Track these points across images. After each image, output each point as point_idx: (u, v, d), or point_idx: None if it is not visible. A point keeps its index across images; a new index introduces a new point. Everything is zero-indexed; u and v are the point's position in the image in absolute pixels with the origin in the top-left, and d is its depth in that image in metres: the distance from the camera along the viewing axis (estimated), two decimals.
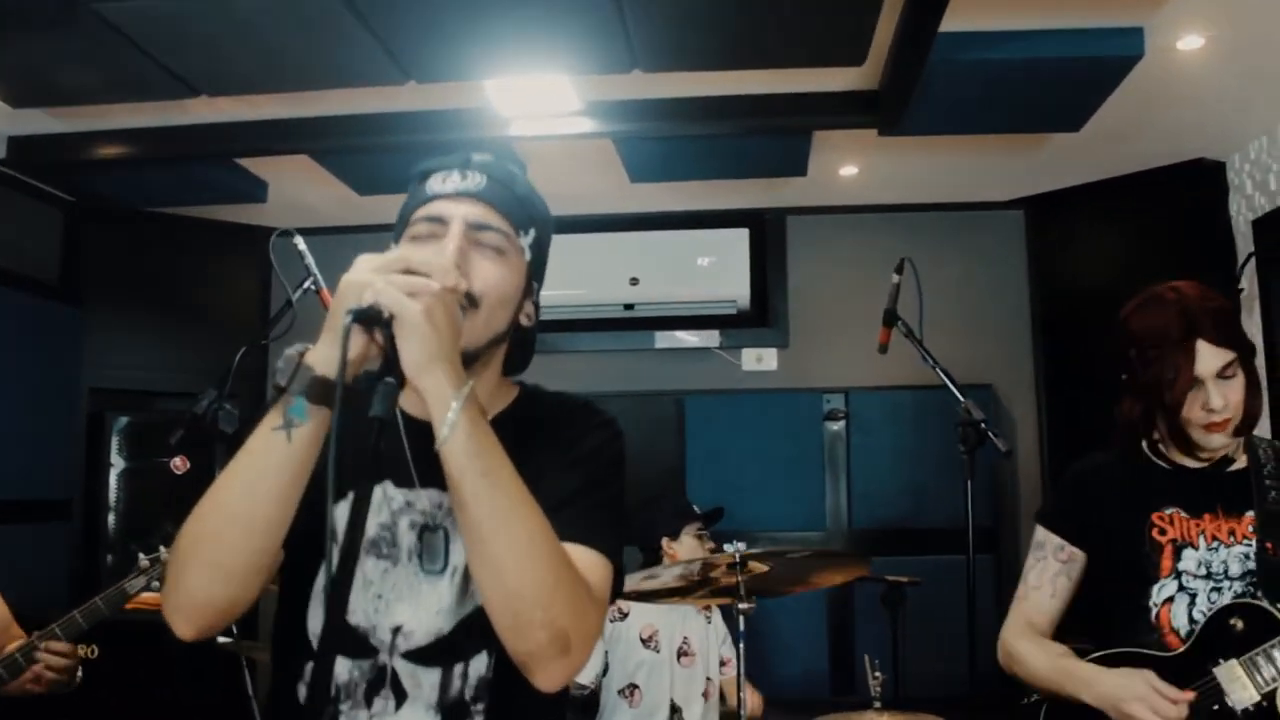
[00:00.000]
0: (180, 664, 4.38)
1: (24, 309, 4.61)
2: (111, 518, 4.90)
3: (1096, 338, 4.96)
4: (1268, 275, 4.40)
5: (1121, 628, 2.33)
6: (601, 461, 1.67)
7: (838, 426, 5.17)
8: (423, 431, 1.45)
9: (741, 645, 3.20)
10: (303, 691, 1.57)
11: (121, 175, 4.65)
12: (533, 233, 1.68)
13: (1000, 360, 5.25)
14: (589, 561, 1.54)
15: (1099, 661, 2.29)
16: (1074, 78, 3.64)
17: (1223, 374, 2.24)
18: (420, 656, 1.57)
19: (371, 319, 1.38)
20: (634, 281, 5.18)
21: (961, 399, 3.43)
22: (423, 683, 1.56)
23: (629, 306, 5.25)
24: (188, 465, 4.89)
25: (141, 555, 3.03)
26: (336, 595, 1.37)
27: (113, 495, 4.91)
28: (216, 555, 1.44)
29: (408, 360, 1.38)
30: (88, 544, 4.88)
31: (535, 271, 1.71)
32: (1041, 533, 2.48)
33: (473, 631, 1.58)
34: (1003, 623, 2.53)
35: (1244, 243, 4.55)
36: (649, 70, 3.60)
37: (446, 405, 1.40)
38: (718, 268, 5.28)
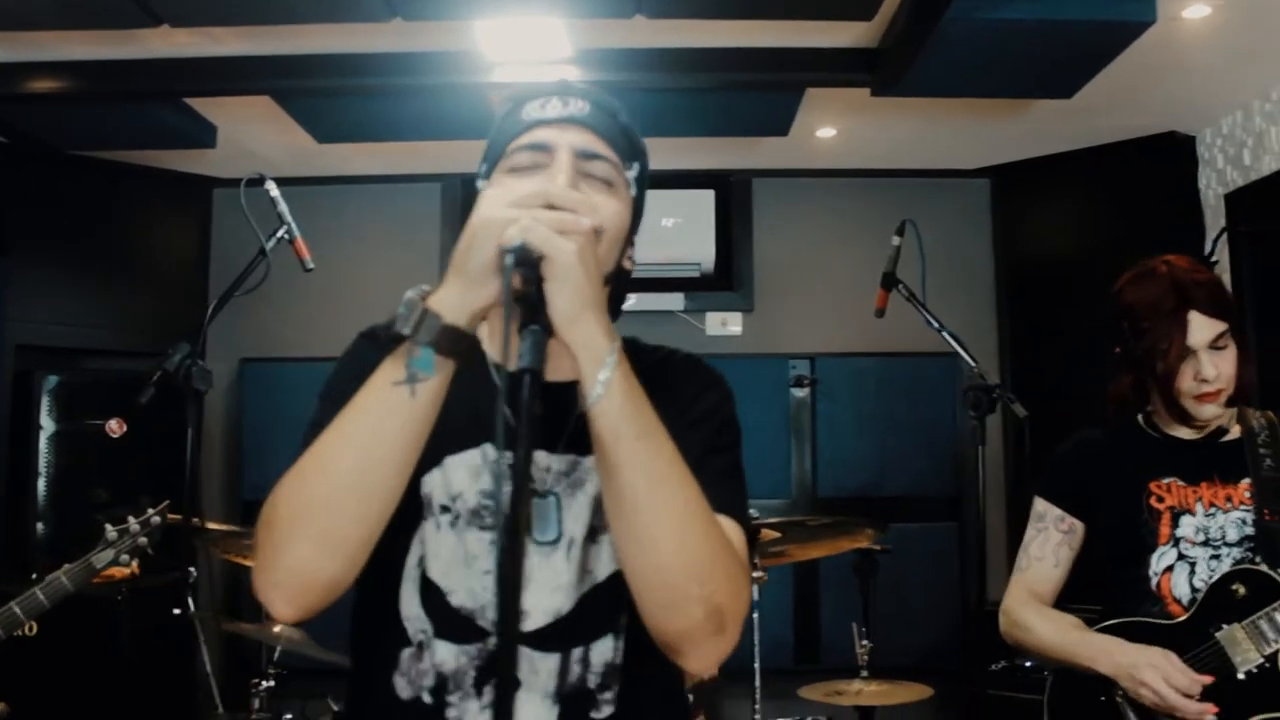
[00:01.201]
0: (129, 637, 4.12)
1: None
2: (41, 484, 4.56)
3: (1061, 307, 5.07)
4: (1239, 249, 4.44)
5: (1123, 598, 2.34)
6: (722, 422, 1.52)
7: (803, 393, 5.11)
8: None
9: None
10: (400, 684, 1.41)
11: (55, 113, 4.32)
12: (636, 166, 1.51)
13: (965, 329, 5.14)
14: (731, 531, 1.39)
15: (1104, 632, 2.31)
16: (1082, 42, 3.58)
17: (1214, 344, 2.27)
18: (538, 639, 1.40)
19: (521, 260, 1.20)
20: None
21: (973, 364, 3.37)
22: (539, 669, 1.40)
23: None
24: (124, 428, 4.64)
25: (109, 526, 2.83)
26: (510, 576, 1.17)
27: (42, 460, 4.56)
28: (327, 525, 1.26)
29: (559, 307, 1.21)
30: (14, 512, 4.54)
31: (638, 209, 1.55)
32: (1041, 504, 2.48)
33: (596, 611, 1.42)
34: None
35: (1214, 216, 4.60)
36: (653, 16, 3.46)
37: (600, 360, 1.24)
38: (682, 229, 5.16)
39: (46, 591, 2.73)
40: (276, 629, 3.60)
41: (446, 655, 1.40)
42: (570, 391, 1.46)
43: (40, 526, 4.51)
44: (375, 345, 1.50)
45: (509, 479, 1.45)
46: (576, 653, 1.41)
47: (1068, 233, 5.12)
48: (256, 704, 3.64)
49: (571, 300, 1.21)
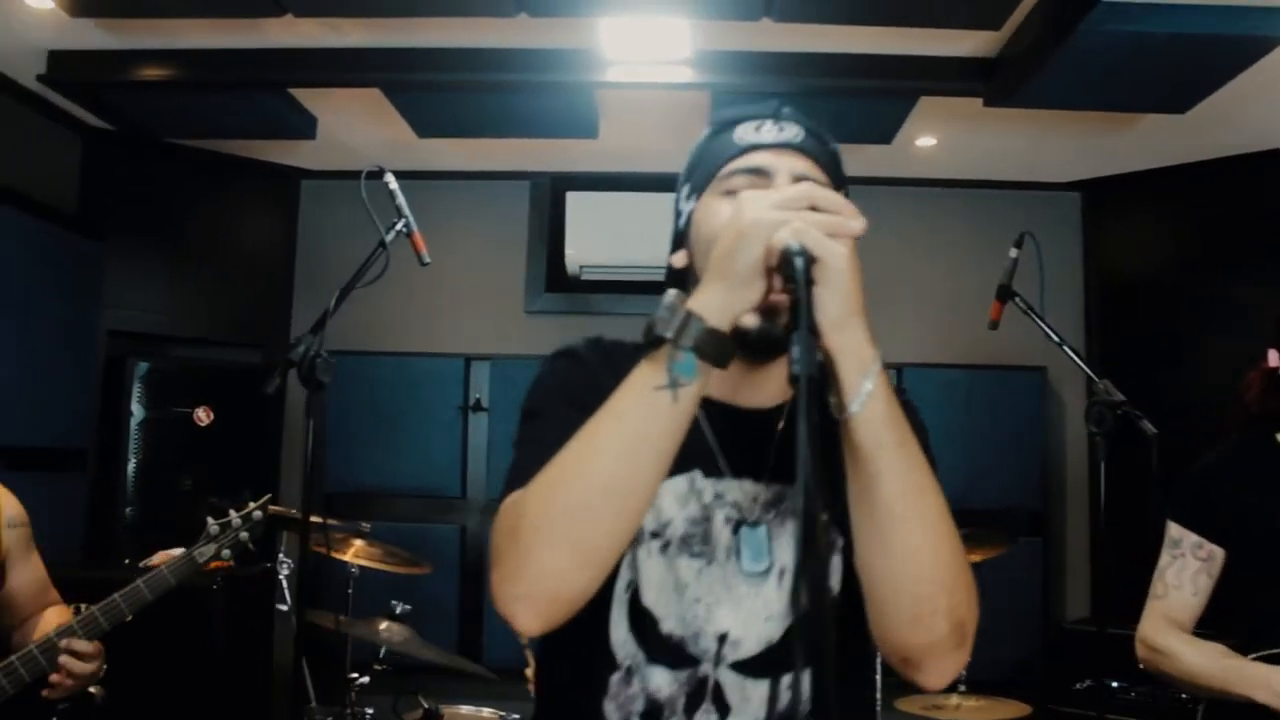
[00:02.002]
0: (221, 627, 4.11)
1: (41, 237, 4.24)
2: (131, 470, 4.55)
3: (1153, 324, 5.01)
4: None
5: (1268, 625, 2.26)
6: (925, 441, 1.48)
7: None
8: (728, 416, 1.32)
9: None
10: (610, 709, 1.40)
11: (160, 101, 4.31)
12: (843, 194, 1.50)
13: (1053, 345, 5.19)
14: None
15: (1260, 660, 2.23)
16: (1209, 56, 3.55)
17: None
18: (750, 667, 1.39)
19: (790, 262, 1.16)
20: None
21: (1097, 379, 3.31)
22: (751, 696, 1.39)
23: None
24: (211, 417, 4.64)
25: (210, 520, 2.78)
26: (809, 599, 1.15)
27: (132, 445, 4.56)
28: (580, 535, 1.23)
29: (830, 312, 1.17)
30: (104, 497, 4.54)
31: None
32: (1176, 529, 2.40)
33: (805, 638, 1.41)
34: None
35: None
36: (780, 20, 3.43)
37: (865, 368, 1.21)
38: None
39: (149, 585, 2.68)
40: (382, 626, 3.59)
41: (661, 682, 1.39)
42: (768, 419, 1.46)
43: (129, 511, 4.50)
44: (578, 362, 1.51)
45: (717, 507, 1.44)
46: (786, 680, 1.40)
47: (1164, 249, 5.05)
48: (351, 698, 3.63)
49: (841, 305, 1.19)
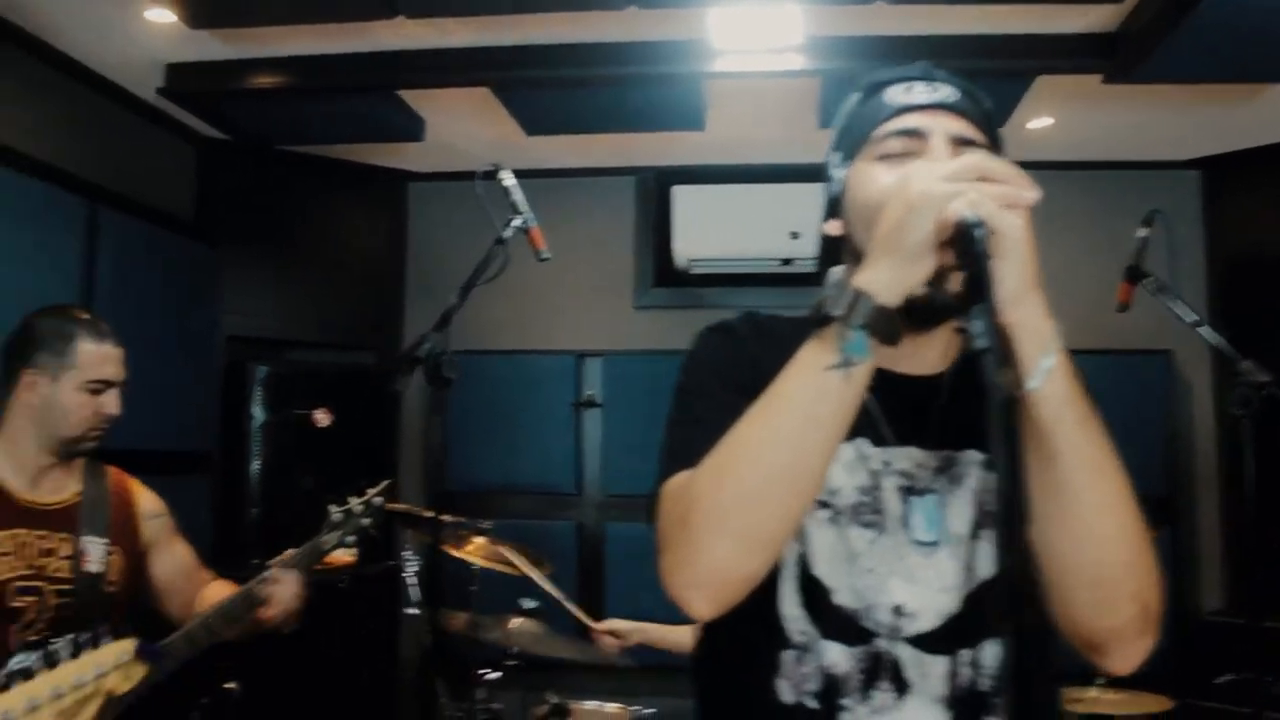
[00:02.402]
0: (348, 623, 4.17)
1: (160, 246, 4.33)
2: (254, 471, 4.64)
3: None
4: None
5: None
6: None
7: None
8: (890, 383, 1.29)
9: None
10: (783, 687, 1.36)
11: (269, 108, 4.38)
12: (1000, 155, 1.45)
13: (1178, 327, 5.04)
14: None
15: None
16: None
17: None
18: (928, 642, 1.35)
19: (967, 235, 1.13)
20: (794, 235, 4.94)
21: (1240, 359, 3.20)
22: (929, 672, 1.34)
23: (787, 261, 5.01)
24: (331, 419, 4.70)
25: (332, 508, 2.81)
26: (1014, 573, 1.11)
27: (254, 448, 4.65)
28: (753, 520, 1.21)
29: (1008, 286, 1.13)
30: (230, 499, 4.63)
31: None
32: None
33: (983, 611, 1.36)
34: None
35: None
36: (894, 1, 3.37)
37: (1045, 343, 1.17)
38: None
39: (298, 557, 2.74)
40: (512, 623, 3.60)
41: (836, 658, 1.35)
42: (930, 386, 1.42)
43: (254, 512, 4.58)
44: (734, 338, 1.49)
45: (885, 475, 1.40)
46: (965, 655, 1.35)
47: None
48: (480, 693, 3.65)
49: (1019, 278, 1.15)
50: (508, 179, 3.30)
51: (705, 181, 5.05)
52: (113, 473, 2.77)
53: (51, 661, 1.11)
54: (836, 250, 1.48)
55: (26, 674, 1.09)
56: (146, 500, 2.80)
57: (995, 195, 1.14)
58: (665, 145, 4.80)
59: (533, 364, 5.07)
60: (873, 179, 1.37)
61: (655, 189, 5.17)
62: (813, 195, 4.61)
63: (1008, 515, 1.03)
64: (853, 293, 1.17)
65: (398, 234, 5.40)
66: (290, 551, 2.74)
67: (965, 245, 1.12)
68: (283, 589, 2.63)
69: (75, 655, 1.13)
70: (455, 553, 3.68)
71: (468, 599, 3.81)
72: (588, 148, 4.86)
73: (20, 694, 1.06)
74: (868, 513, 1.37)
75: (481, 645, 3.75)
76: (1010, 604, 1.18)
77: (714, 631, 1.41)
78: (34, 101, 3.83)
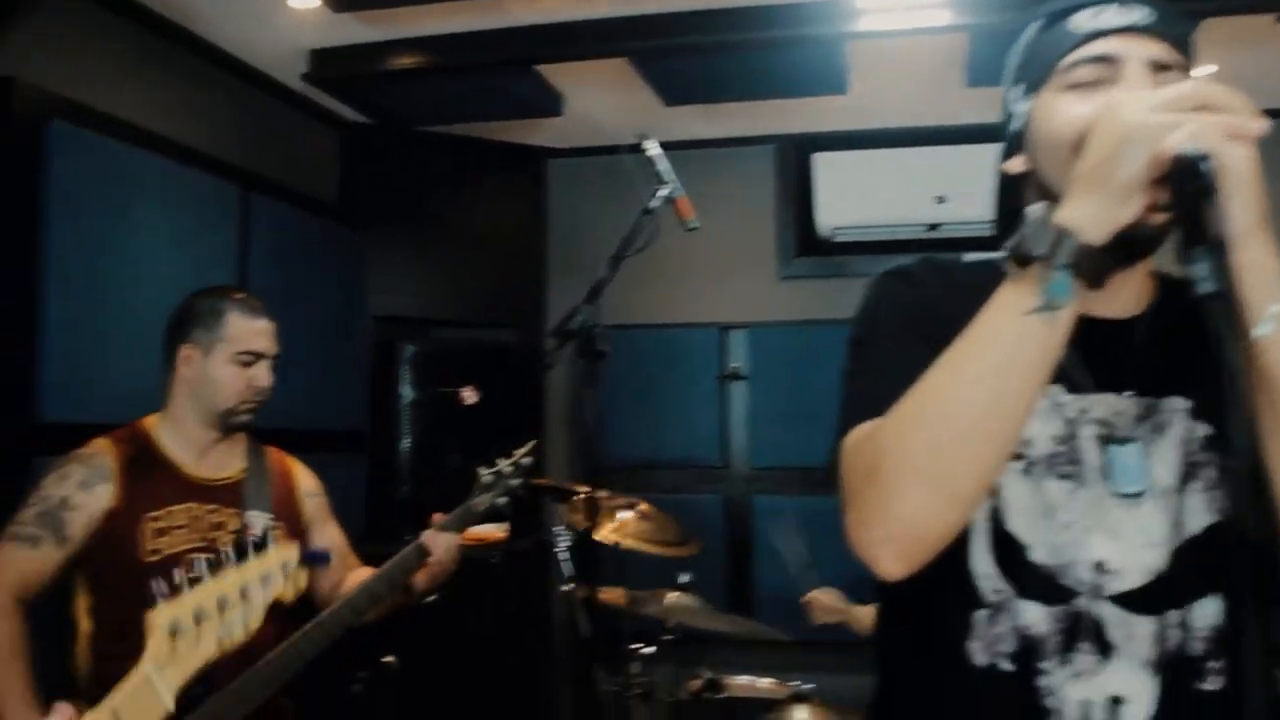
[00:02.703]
0: (500, 599, 4.21)
1: (308, 230, 4.41)
2: (404, 449, 4.72)
3: None
4: None
5: None
6: None
7: None
8: (1084, 327, 1.17)
9: None
10: (975, 649, 1.29)
11: (411, 89, 4.42)
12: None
13: None
14: None
15: None
16: None
17: None
18: (1133, 600, 1.26)
19: (1189, 170, 1.05)
20: (940, 200, 4.79)
21: None
22: (1135, 633, 1.25)
23: (933, 227, 4.86)
24: (477, 396, 4.74)
25: (482, 470, 2.81)
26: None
27: (404, 426, 4.72)
28: (947, 471, 1.14)
29: (1236, 223, 1.05)
30: (381, 476, 4.71)
31: None
32: None
33: (1193, 568, 1.26)
34: None
35: None
36: None
37: (1274, 286, 1.08)
38: None
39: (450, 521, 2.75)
40: (669, 597, 3.59)
41: (1034, 618, 1.27)
42: (1126, 328, 1.34)
43: (404, 489, 4.66)
44: (912, 283, 1.41)
45: (1082, 423, 1.32)
46: (1173, 616, 1.26)
47: None
48: (633, 668, 3.64)
49: (1247, 215, 1.07)
50: (653, 148, 3.27)
51: (847, 147, 4.93)
52: (272, 452, 2.83)
53: (217, 569, 1.11)
54: (1017, 190, 1.40)
55: (193, 582, 1.09)
56: (306, 479, 2.86)
57: (1218, 126, 1.07)
58: (806, 111, 4.70)
59: (676, 338, 5.04)
60: (1063, 110, 1.29)
61: (796, 157, 5.07)
62: (960, 158, 4.46)
63: (1248, 473, 0.96)
64: (1056, 231, 1.10)
65: (538, 211, 5.40)
66: (438, 515, 2.76)
67: (1186, 181, 1.04)
68: (438, 551, 2.66)
69: (241, 561, 1.12)
70: (606, 527, 3.68)
71: (620, 573, 3.81)
72: (726, 117, 4.79)
73: (189, 602, 1.06)
74: (1064, 463, 1.30)
75: (635, 619, 3.74)
76: (1243, 563, 1.11)
77: (898, 595, 1.33)
78: (189, 93, 3.93)
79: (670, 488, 4.92)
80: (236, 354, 2.60)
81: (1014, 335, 1.12)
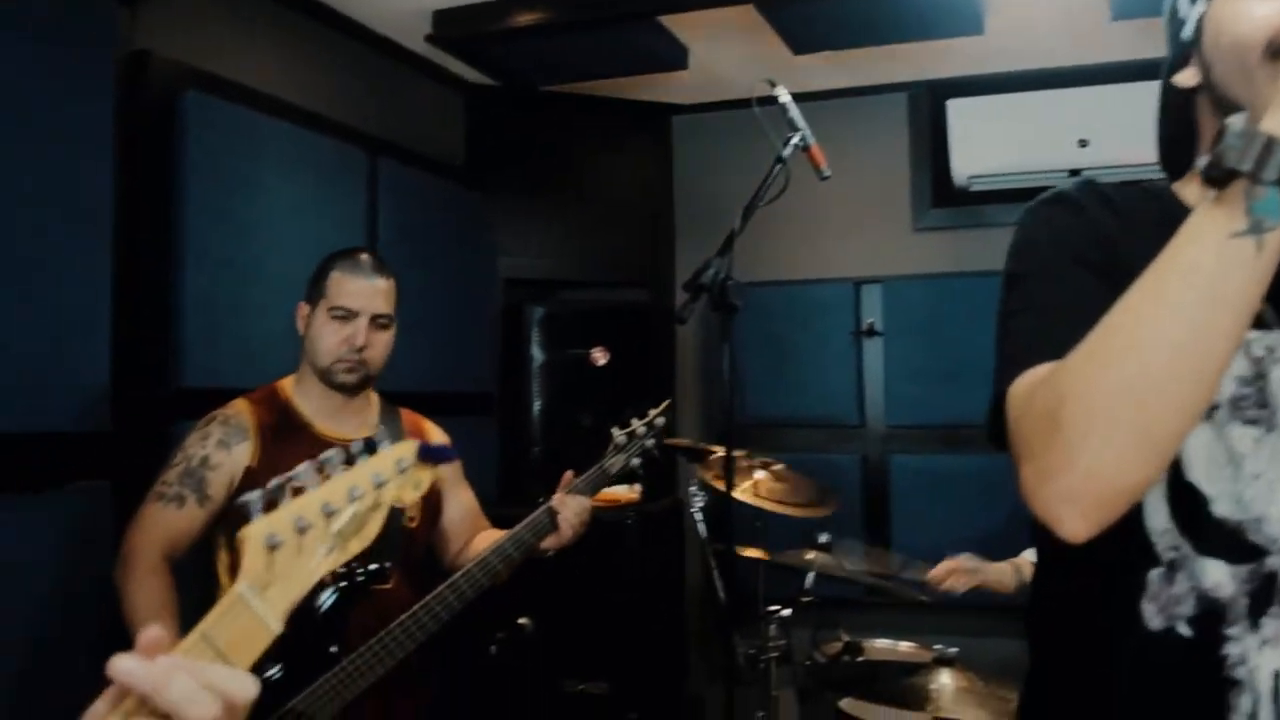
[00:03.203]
0: (633, 560, 4.18)
1: (436, 193, 4.41)
2: (535, 411, 4.71)
3: None
4: None
5: None
6: None
7: None
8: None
9: None
10: (1149, 611, 1.17)
11: (534, 47, 4.37)
12: None
13: None
14: None
15: None
16: None
17: None
18: None
19: None
20: (1083, 144, 4.56)
21: None
22: None
23: (1075, 173, 4.63)
24: (607, 357, 4.71)
25: (615, 430, 2.76)
26: None
27: (534, 388, 4.72)
28: (1145, 416, 1.01)
29: None
30: (513, 438, 4.72)
31: None
32: None
33: None
34: None
35: None
36: None
37: None
38: None
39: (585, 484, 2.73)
40: (809, 555, 3.51)
41: (1218, 578, 1.15)
42: None
43: (536, 450, 4.65)
44: (1074, 209, 1.28)
45: (1271, 363, 1.19)
46: None
47: None
48: (769, 630, 3.58)
49: None
50: (784, 96, 3.17)
51: (983, 92, 4.73)
52: (406, 413, 2.84)
53: (323, 473, 1.00)
54: (1186, 108, 1.28)
55: (296, 492, 0.98)
56: (439, 440, 2.85)
57: None
58: (939, 55, 4.51)
59: (809, 293, 4.92)
60: (1245, 11, 1.16)
61: (930, 103, 4.88)
62: (1104, 99, 4.21)
63: None
64: (1263, 141, 0.97)
65: (664, 168, 5.32)
66: (569, 474, 2.74)
67: None
68: (569, 513, 2.64)
69: (349, 464, 1.02)
70: (742, 487, 3.62)
71: (756, 534, 3.75)
72: (857, 64, 4.63)
73: (288, 512, 0.96)
74: (1251, 408, 1.18)
75: (771, 581, 3.68)
76: None
77: (1061, 553, 1.24)
78: (315, 59, 3.95)
79: (805, 447, 4.82)
80: (330, 309, 2.61)
81: (1215, 262, 1.00)
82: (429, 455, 1.13)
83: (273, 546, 0.97)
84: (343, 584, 2.33)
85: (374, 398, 2.75)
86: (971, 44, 4.28)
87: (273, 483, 1.01)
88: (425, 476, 1.13)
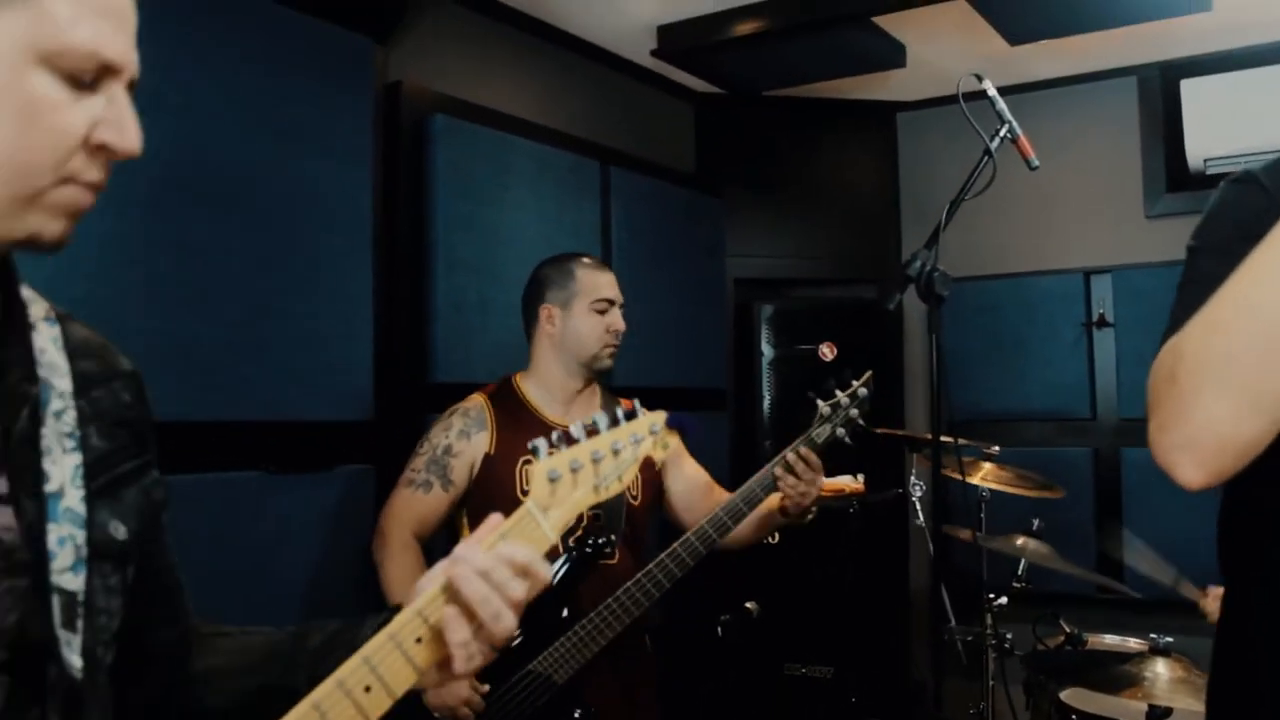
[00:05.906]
0: (855, 548, 4.28)
1: (669, 199, 4.63)
2: (765, 406, 4.88)
3: None
4: None
5: None
6: None
7: None
8: None
9: None
10: None
11: (755, 54, 4.52)
12: None
13: None
14: None
15: None
16: None
17: None
18: None
19: None
20: None
21: None
22: None
23: None
24: (835, 352, 4.82)
25: (820, 402, 2.82)
26: None
27: (765, 383, 4.89)
28: (1251, 377, 1.10)
29: None
30: (744, 432, 4.91)
31: None
32: None
33: None
34: None
35: None
36: None
37: None
38: None
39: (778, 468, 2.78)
40: (1019, 541, 3.54)
41: None
42: None
43: (766, 444, 4.82)
44: (1255, 188, 1.34)
45: None
46: None
47: None
48: (989, 619, 3.60)
49: None
50: (989, 89, 3.21)
51: (1216, 71, 4.57)
52: (625, 402, 3.04)
53: (591, 430, 1.27)
54: None
55: (568, 440, 1.26)
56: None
57: None
58: (1166, 35, 4.39)
59: (1037, 285, 4.87)
60: None
61: (1160, 86, 4.75)
62: None
63: None
64: None
65: (889, 165, 5.39)
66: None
67: None
68: (796, 464, 2.73)
69: (614, 425, 1.29)
70: (964, 478, 3.65)
71: (978, 526, 3.77)
72: (1078, 51, 4.56)
73: (565, 456, 1.23)
74: None
75: (991, 572, 3.70)
76: None
77: (1235, 506, 1.31)
78: (550, 79, 4.26)
79: (1036, 440, 4.80)
80: (592, 303, 2.87)
81: None
82: (676, 423, 1.38)
83: (553, 480, 1.22)
84: (573, 553, 2.55)
85: (597, 388, 3.00)
86: (1199, 21, 4.16)
87: (556, 433, 1.25)
88: (673, 440, 1.39)
